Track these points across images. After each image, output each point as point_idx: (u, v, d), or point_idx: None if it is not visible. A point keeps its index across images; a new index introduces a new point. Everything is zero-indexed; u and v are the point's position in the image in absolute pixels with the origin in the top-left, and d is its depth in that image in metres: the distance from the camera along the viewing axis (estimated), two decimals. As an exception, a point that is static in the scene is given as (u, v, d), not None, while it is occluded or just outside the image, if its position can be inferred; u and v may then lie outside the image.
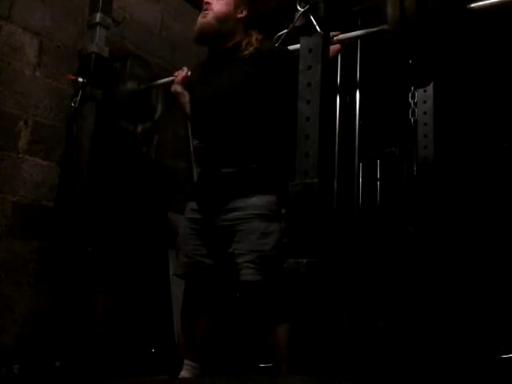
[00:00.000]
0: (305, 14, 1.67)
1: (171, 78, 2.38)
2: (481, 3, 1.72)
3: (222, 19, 2.11)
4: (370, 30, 2.06)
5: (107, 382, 2.39)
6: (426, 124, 2.29)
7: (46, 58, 2.61)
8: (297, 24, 1.70)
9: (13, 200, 2.44)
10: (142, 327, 2.84)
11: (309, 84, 1.66)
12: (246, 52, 2.07)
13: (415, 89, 2.37)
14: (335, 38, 2.01)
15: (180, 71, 2.33)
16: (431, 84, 2.28)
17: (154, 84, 2.71)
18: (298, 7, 1.68)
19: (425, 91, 2.31)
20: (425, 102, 2.30)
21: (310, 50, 1.68)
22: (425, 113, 2.29)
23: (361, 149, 2.47)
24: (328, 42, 1.72)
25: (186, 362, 2.09)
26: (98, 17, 2.49)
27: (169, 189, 3.14)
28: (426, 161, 2.31)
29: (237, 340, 2.69)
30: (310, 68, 1.67)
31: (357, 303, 2.11)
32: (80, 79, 2.46)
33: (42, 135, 2.57)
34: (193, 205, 2.13)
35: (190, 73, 2.32)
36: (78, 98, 2.46)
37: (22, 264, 2.45)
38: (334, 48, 2.05)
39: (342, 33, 2.57)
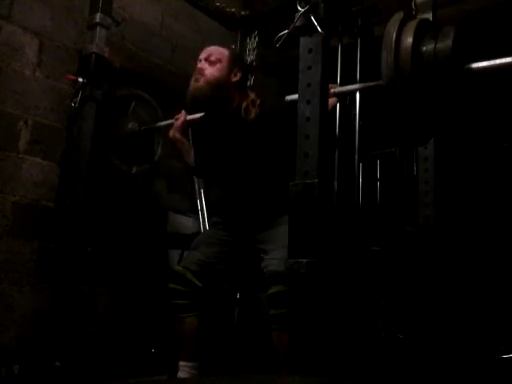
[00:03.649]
0: (305, 14, 1.67)
1: (171, 121, 2.36)
2: (481, 64, 1.67)
3: (215, 85, 2.10)
4: (368, 84, 2.09)
5: (107, 382, 2.39)
6: (426, 124, 2.29)
7: (46, 58, 2.61)
8: (297, 24, 1.70)
9: (13, 200, 2.44)
10: (142, 327, 2.84)
11: (309, 84, 1.66)
12: (249, 116, 2.09)
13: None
14: (332, 90, 2.02)
15: (179, 115, 2.30)
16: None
17: (155, 126, 2.68)
18: (298, 7, 1.67)
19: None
20: (425, 102, 2.29)
21: (310, 50, 1.68)
22: (425, 113, 2.29)
23: (361, 149, 2.46)
24: (328, 42, 1.71)
25: (180, 363, 2.09)
26: (98, 17, 2.49)
27: (168, 189, 3.14)
28: (426, 161, 2.31)
29: (237, 340, 2.69)
30: (310, 68, 1.67)
31: (357, 303, 2.11)
32: (80, 79, 2.46)
33: (42, 135, 2.57)
34: (218, 220, 2.24)
35: (188, 117, 2.30)
36: (78, 98, 2.46)
37: (22, 264, 2.45)
38: (331, 101, 2.06)
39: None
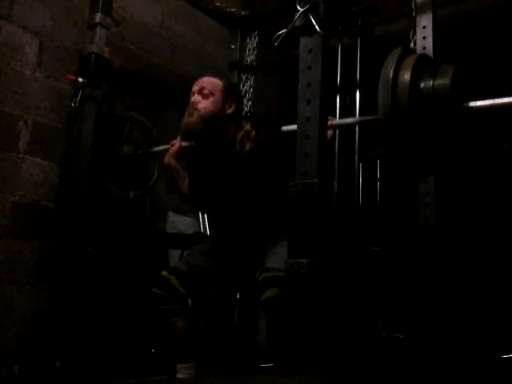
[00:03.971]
0: (305, 14, 1.67)
1: (166, 147, 2.31)
2: (480, 103, 1.64)
3: (209, 119, 2.07)
4: (365, 117, 2.10)
5: (107, 382, 2.39)
6: (425, 124, 2.29)
7: (46, 58, 2.61)
8: (297, 24, 1.70)
9: (13, 200, 2.44)
10: (142, 327, 2.84)
11: (309, 84, 1.66)
12: (243, 150, 2.06)
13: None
14: (329, 122, 2.01)
15: (175, 141, 2.24)
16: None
17: (150, 151, 2.60)
18: (298, 7, 1.67)
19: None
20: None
21: (310, 50, 1.68)
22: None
23: (361, 149, 2.47)
24: (328, 42, 1.71)
25: (178, 366, 2.08)
26: (98, 17, 2.49)
27: (168, 189, 3.14)
28: (425, 161, 2.30)
29: (237, 340, 2.69)
30: (310, 68, 1.67)
31: (357, 303, 2.11)
32: (80, 79, 2.46)
33: (42, 135, 2.57)
34: (212, 244, 2.21)
35: (183, 144, 2.24)
36: (78, 98, 2.45)
37: (22, 264, 2.45)
38: (329, 134, 2.04)
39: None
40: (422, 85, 1.64)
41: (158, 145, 2.51)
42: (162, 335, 2.15)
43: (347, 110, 2.50)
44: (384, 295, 2.09)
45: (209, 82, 2.14)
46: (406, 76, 1.61)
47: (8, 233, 2.41)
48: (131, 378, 2.41)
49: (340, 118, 2.47)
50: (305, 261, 1.57)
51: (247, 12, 2.83)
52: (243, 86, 2.81)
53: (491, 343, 2.30)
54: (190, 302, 2.21)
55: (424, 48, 2.30)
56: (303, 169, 1.63)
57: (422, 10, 2.32)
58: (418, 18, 2.33)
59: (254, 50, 2.84)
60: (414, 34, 2.35)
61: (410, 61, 1.65)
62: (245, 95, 2.81)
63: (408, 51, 1.74)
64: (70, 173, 2.52)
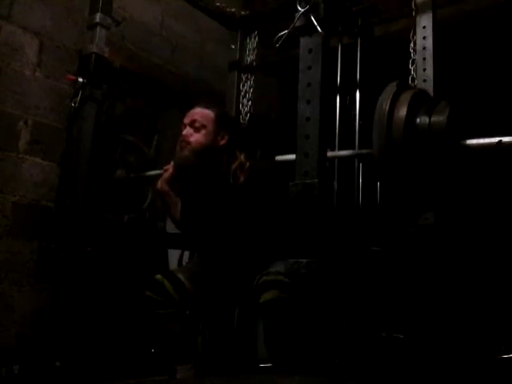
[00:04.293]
0: (305, 14, 1.67)
1: (159, 172, 2.27)
2: (477, 141, 1.64)
3: (202, 153, 2.03)
4: (361, 151, 2.12)
5: (107, 382, 2.39)
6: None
7: (46, 58, 2.61)
8: (297, 24, 1.70)
9: (13, 200, 2.44)
10: (142, 327, 2.84)
11: (309, 84, 1.66)
12: (238, 180, 2.03)
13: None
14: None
15: (168, 167, 2.20)
16: (431, 83, 2.28)
17: (143, 175, 2.57)
18: (298, 7, 1.68)
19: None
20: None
21: (310, 50, 1.68)
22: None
23: (361, 149, 2.46)
24: (328, 42, 1.71)
25: (177, 367, 2.08)
26: (98, 17, 2.49)
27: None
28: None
29: (237, 340, 2.69)
30: (310, 68, 1.67)
31: (357, 303, 2.11)
32: (80, 79, 2.46)
33: (42, 135, 2.57)
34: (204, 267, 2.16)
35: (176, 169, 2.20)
36: (78, 98, 2.45)
37: (22, 264, 2.45)
38: None
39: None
40: (418, 120, 1.63)
41: (153, 165, 2.48)
42: (158, 337, 2.13)
43: (347, 110, 2.50)
44: (384, 295, 2.09)
45: (200, 113, 2.09)
46: (402, 112, 1.60)
47: (8, 233, 2.41)
48: (131, 378, 2.41)
49: (340, 116, 2.48)
50: (305, 261, 1.57)
51: (247, 12, 2.83)
52: (243, 86, 2.81)
53: (491, 343, 2.30)
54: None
55: (424, 48, 2.30)
56: (303, 169, 1.63)
57: (422, 9, 2.32)
58: (418, 18, 2.33)
59: (253, 49, 2.83)
60: (414, 34, 2.35)
61: (407, 96, 1.64)
62: (245, 95, 2.80)
63: (403, 87, 1.71)
64: (70, 173, 2.52)
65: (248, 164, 2.06)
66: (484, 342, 2.29)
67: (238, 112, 2.77)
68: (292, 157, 1.80)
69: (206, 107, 2.12)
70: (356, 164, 2.42)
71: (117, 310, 2.81)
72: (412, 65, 2.35)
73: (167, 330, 2.03)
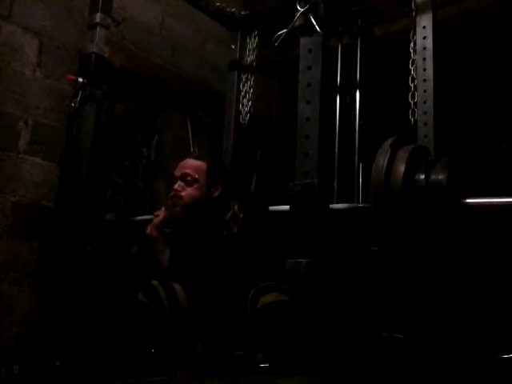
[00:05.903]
0: (305, 14, 1.67)
1: (150, 217, 2.23)
2: (477, 200, 1.63)
3: (194, 207, 2.01)
4: (356, 205, 2.09)
5: (107, 382, 2.39)
6: (425, 124, 2.29)
7: (46, 58, 2.61)
8: (297, 24, 1.70)
9: (13, 200, 2.44)
10: (142, 327, 2.84)
11: (309, 84, 1.66)
12: (232, 232, 1.98)
13: (415, 89, 2.35)
14: None
15: (159, 212, 2.17)
16: (431, 83, 2.28)
17: (134, 220, 2.50)
18: (298, 7, 1.68)
19: (425, 91, 2.30)
20: (425, 102, 2.29)
21: (310, 50, 1.68)
22: (425, 113, 2.29)
23: (361, 149, 2.46)
24: (328, 42, 1.72)
25: (175, 370, 2.08)
26: (98, 17, 2.49)
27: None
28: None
29: (237, 340, 2.69)
30: (310, 68, 1.67)
31: (357, 303, 2.11)
32: (80, 79, 2.46)
33: (42, 135, 2.57)
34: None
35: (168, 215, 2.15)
36: (78, 98, 2.46)
37: (22, 264, 2.45)
38: None
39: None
40: (417, 177, 1.62)
41: (145, 208, 2.50)
42: (151, 339, 2.12)
43: (347, 110, 2.50)
44: (384, 295, 2.09)
45: (192, 166, 2.05)
46: (400, 168, 1.59)
47: (8, 233, 2.41)
48: (131, 378, 2.41)
49: (340, 116, 2.48)
50: (305, 261, 1.57)
51: (247, 12, 2.83)
52: (243, 86, 2.81)
53: (491, 343, 2.30)
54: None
55: (424, 48, 2.31)
56: (303, 169, 1.63)
57: (422, 9, 2.32)
58: (418, 18, 2.33)
59: (253, 49, 2.83)
60: (414, 33, 2.35)
61: (405, 153, 1.62)
62: (245, 95, 2.80)
63: (400, 143, 1.69)
64: (70, 173, 2.52)
65: (242, 215, 2.00)
66: (484, 342, 2.29)
67: (238, 112, 2.77)
68: (286, 207, 1.77)
69: (198, 158, 2.09)
70: (356, 164, 2.42)
71: (117, 310, 2.81)
72: (412, 65, 2.35)
73: (157, 333, 2.01)
